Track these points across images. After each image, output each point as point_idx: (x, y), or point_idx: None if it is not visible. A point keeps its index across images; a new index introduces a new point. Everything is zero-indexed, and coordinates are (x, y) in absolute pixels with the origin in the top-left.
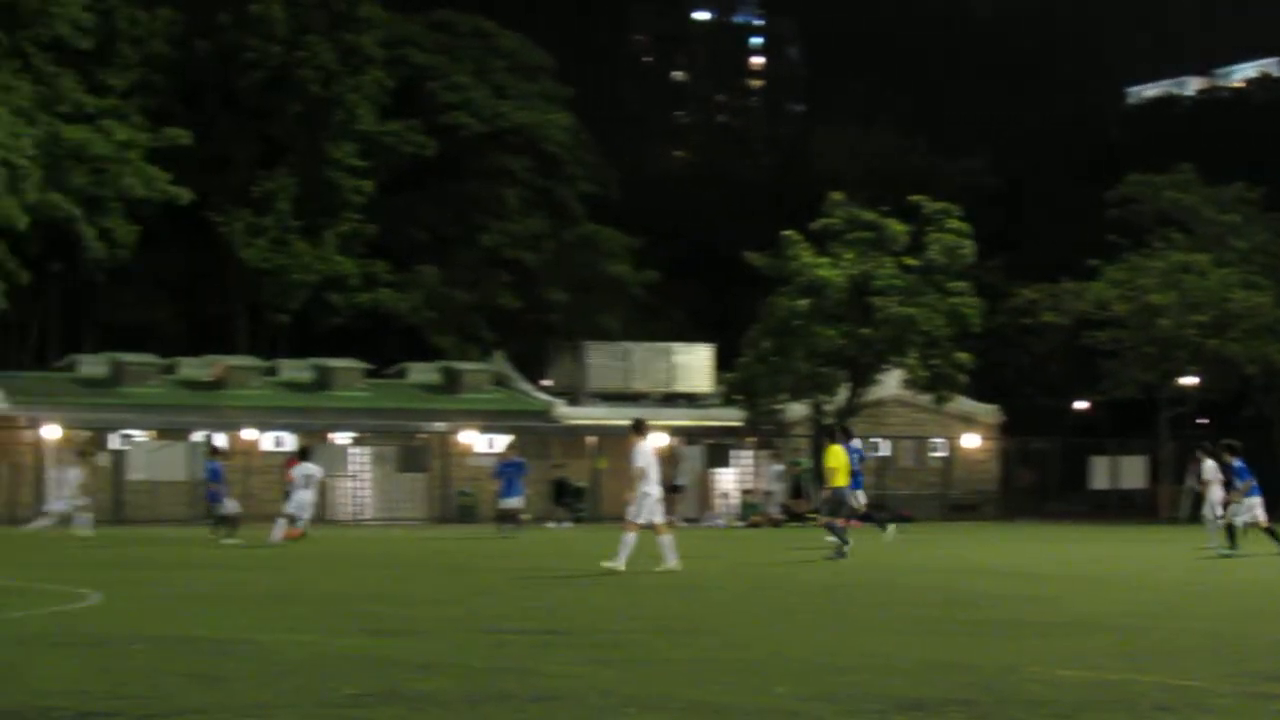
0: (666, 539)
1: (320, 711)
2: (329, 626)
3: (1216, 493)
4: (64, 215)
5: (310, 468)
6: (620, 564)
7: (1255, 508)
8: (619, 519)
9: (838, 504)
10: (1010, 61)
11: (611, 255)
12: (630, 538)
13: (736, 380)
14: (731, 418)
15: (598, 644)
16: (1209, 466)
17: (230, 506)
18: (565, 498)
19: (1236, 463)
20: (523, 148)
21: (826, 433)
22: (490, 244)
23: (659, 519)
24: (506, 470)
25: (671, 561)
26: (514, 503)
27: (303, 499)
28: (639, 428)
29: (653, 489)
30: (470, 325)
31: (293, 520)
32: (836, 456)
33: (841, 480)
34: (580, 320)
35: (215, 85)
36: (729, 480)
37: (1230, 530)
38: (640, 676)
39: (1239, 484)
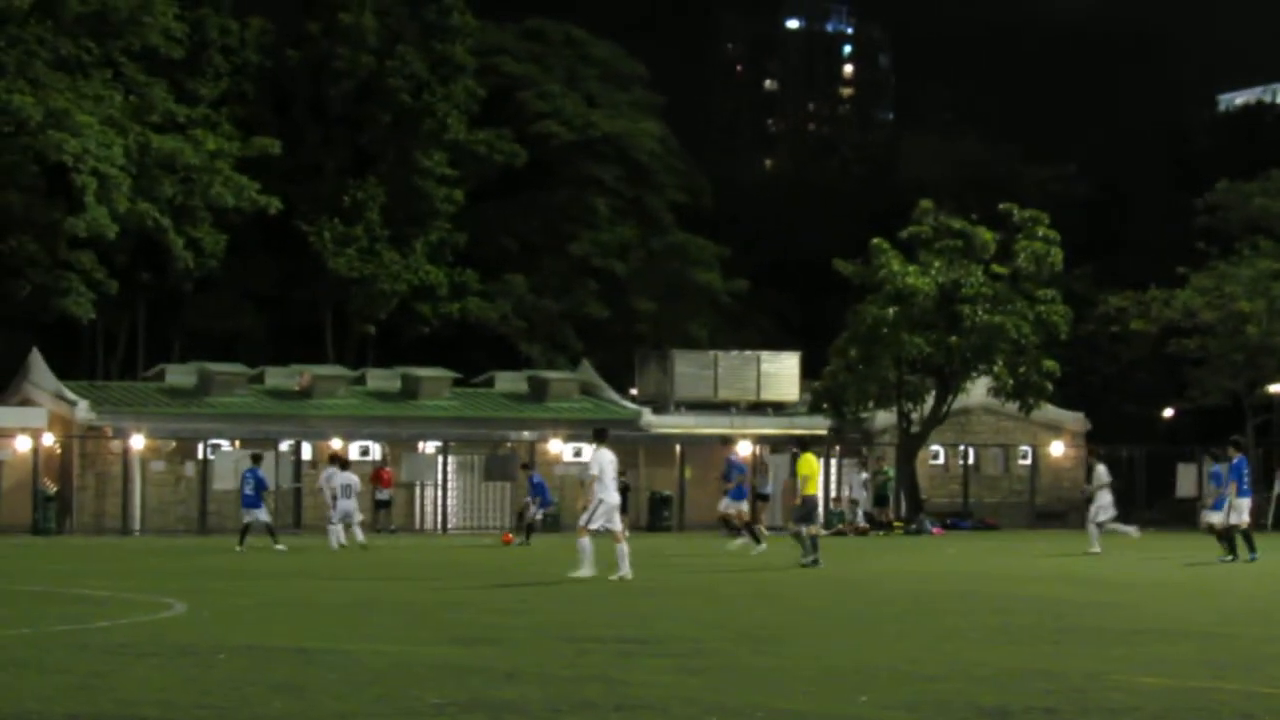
0: (623, 547)
1: None
2: (413, 635)
3: (1105, 498)
4: (153, 225)
5: (349, 477)
6: (585, 571)
7: (1244, 510)
8: (704, 527)
9: (809, 512)
10: (1100, 69)
11: (700, 264)
12: (584, 542)
13: (823, 388)
14: (818, 426)
15: (681, 653)
16: (1100, 471)
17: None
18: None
19: (1236, 461)
20: (613, 156)
21: (798, 442)
22: (579, 253)
23: (616, 526)
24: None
25: (624, 570)
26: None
27: (345, 508)
28: (600, 435)
29: (609, 496)
30: (558, 334)
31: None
32: (809, 464)
33: (813, 488)
34: (668, 329)
35: (305, 94)
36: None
37: (1227, 535)
38: (723, 685)
39: (1230, 484)
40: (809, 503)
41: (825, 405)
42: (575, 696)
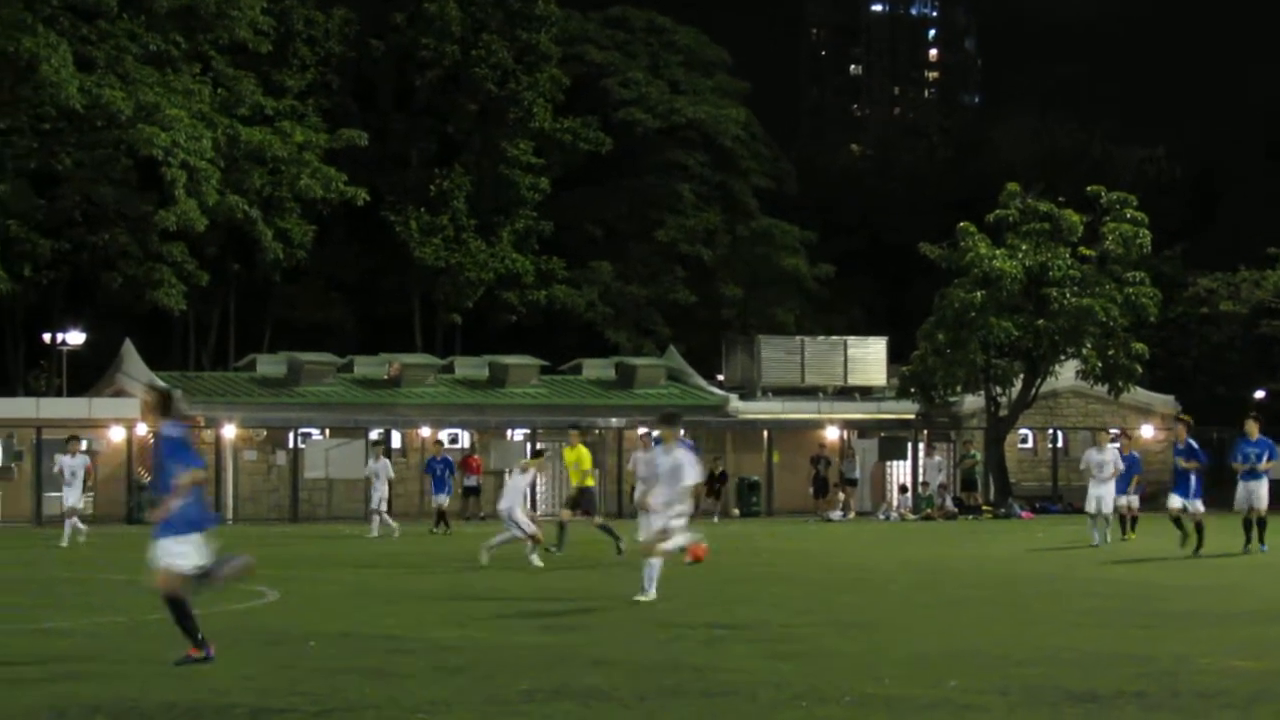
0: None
1: (492, 708)
2: (501, 623)
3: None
4: (242, 216)
5: (75, 460)
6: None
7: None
8: (793, 513)
9: (590, 502)
10: (1193, 50)
11: (786, 249)
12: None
13: (911, 373)
14: (906, 411)
15: (769, 638)
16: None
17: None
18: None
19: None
20: (698, 143)
21: (574, 426)
22: (665, 239)
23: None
24: (434, 466)
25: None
26: (443, 500)
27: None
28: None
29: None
30: (645, 320)
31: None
32: (584, 457)
33: (590, 480)
34: (754, 314)
35: (390, 85)
36: (904, 473)
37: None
38: (812, 670)
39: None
40: (587, 493)
41: (913, 390)
42: (663, 683)
